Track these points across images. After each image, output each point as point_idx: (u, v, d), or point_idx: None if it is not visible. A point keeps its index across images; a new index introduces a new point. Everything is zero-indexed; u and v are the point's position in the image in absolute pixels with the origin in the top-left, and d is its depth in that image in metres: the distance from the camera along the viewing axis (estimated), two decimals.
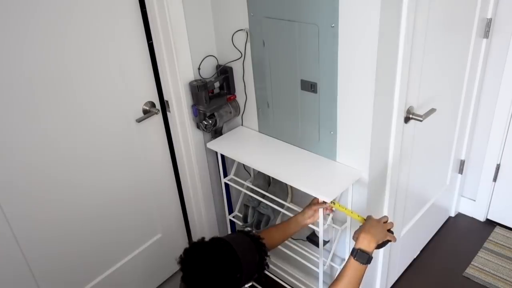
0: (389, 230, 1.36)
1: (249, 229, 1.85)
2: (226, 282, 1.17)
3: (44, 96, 1.47)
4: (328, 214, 1.59)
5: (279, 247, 1.84)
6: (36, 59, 1.42)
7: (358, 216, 1.43)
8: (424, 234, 2.32)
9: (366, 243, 1.27)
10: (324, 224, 1.57)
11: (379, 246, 1.34)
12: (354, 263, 1.26)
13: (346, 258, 1.63)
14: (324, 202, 1.51)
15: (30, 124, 1.46)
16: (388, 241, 1.35)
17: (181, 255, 1.21)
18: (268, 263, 1.29)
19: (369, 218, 1.38)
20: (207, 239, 1.25)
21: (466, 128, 2.23)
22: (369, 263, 1.27)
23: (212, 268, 1.16)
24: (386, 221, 1.37)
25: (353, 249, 1.28)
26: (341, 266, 1.76)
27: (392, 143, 1.59)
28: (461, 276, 2.15)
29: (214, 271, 1.16)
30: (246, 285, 1.24)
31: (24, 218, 1.55)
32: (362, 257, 1.26)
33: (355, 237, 1.32)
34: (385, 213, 1.75)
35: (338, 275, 1.27)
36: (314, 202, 1.55)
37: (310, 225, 1.64)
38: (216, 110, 1.80)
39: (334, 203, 1.50)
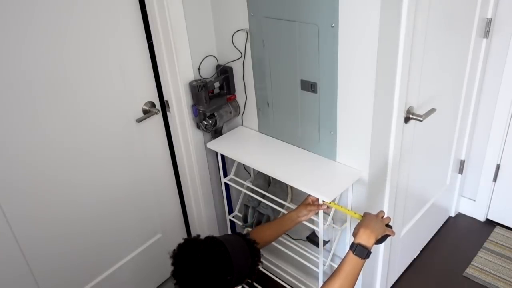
0: (387, 225, 1.37)
1: (249, 229, 1.85)
2: (216, 283, 1.16)
3: (44, 96, 1.47)
4: (328, 214, 1.59)
5: (279, 247, 1.84)
6: (36, 59, 1.42)
7: (355, 213, 1.43)
8: (424, 234, 2.32)
9: (365, 238, 1.28)
10: (324, 224, 1.57)
11: (379, 242, 1.34)
12: (353, 258, 1.26)
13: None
14: (320, 205, 1.52)
15: (30, 124, 1.46)
16: (387, 236, 1.36)
17: (174, 250, 1.21)
18: (260, 268, 1.28)
19: (366, 214, 1.39)
20: (202, 237, 1.24)
21: (466, 128, 2.23)
22: (368, 258, 1.28)
23: (203, 267, 1.15)
24: (383, 216, 1.38)
25: (352, 244, 1.28)
26: None
27: (392, 143, 1.59)
28: (461, 276, 2.15)
29: (204, 270, 1.15)
30: None
31: (24, 218, 1.55)
32: (361, 251, 1.26)
33: (354, 232, 1.33)
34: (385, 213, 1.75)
35: (336, 269, 1.27)
36: (308, 202, 1.55)
37: (310, 225, 1.64)
38: (216, 110, 1.80)
39: (330, 202, 1.50)
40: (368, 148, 1.48)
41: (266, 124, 1.81)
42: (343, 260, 1.28)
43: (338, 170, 1.58)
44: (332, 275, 1.27)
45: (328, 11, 1.35)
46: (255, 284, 2.13)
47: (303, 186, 1.51)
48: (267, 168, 1.62)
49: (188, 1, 1.63)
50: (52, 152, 1.55)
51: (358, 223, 1.34)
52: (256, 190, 1.82)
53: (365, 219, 1.35)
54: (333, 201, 1.49)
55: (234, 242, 1.23)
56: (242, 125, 1.93)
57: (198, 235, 1.26)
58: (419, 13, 1.42)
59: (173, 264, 1.19)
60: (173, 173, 2.04)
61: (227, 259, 1.17)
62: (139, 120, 1.78)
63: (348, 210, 1.50)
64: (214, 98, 1.81)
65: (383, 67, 1.36)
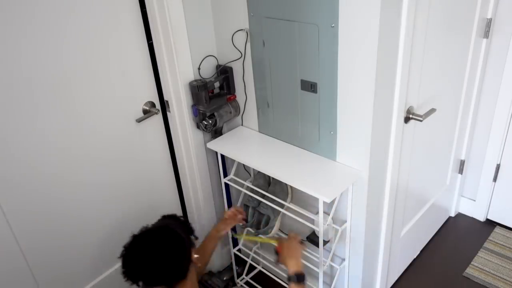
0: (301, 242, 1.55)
1: (249, 229, 1.85)
2: (177, 248, 1.27)
3: (44, 96, 1.47)
4: (328, 214, 1.58)
5: None
6: (37, 59, 1.42)
7: (270, 239, 1.58)
8: (424, 234, 2.32)
9: (294, 265, 1.42)
10: (324, 224, 1.57)
11: None
12: (298, 287, 1.39)
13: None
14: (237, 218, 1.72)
15: (30, 123, 1.46)
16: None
17: (123, 266, 1.29)
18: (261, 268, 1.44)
19: (281, 241, 1.54)
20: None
21: (466, 128, 2.23)
22: (306, 280, 1.42)
23: (154, 247, 1.27)
24: (294, 236, 1.55)
25: (289, 277, 1.41)
26: (341, 266, 1.77)
27: (392, 143, 1.59)
28: (461, 276, 2.15)
29: (158, 247, 1.26)
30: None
31: (24, 218, 1.55)
32: (300, 278, 1.40)
33: (283, 263, 1.47)
34: (384, 213, 1.76)
35: None
36: (225, 217, 1.73)
37: (310, 225, 1.64)
38: (216, 110, 1.80)
39: (239, 236, 1.66)
40: (368, 148, 1.48)
41: (266, 124, 1.81)
42: None
43: (338, 170, 1.58)
44: None
45: (328, 11, 1.35)
46: (255, 284, 2.13)
47: (303, 186, 1.51)
48: (267, 168, 1.62)
49: (188, 1, 1.63)
50: (52, 152, 1.55)
51: (282, 255, 1.49)
52: (256, 190, 1.82)
53: (284, 249, 1.50)
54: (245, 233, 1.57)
55: (157, 222, 1.42)
56: (242, 125, 1.93)
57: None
58: (419, 13, 1.42)
59: (129, 271, 1.27)
60: (173, 173, 2.04)
61: (165, 227, 1.31)
62: (139, 120, 1.78)
63: (262, 238, 1.63)
64: (214, 98, 1.81)
65: (383, 67, 1.36)
